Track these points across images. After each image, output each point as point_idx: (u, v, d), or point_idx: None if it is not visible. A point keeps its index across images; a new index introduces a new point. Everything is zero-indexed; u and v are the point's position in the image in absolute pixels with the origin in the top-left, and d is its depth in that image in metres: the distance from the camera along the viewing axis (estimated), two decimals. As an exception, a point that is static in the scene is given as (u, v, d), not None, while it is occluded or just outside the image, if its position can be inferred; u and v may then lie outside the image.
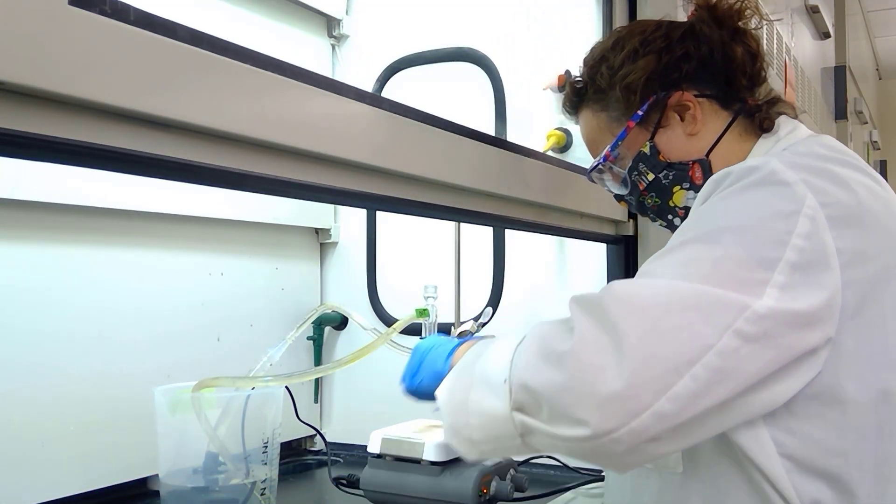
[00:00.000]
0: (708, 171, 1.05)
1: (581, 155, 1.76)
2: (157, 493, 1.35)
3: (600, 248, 1.74)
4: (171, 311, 1.63)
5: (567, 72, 1.79)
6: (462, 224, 1.68)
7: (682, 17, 1.68)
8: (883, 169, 5.03)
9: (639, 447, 0.76)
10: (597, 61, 1.12)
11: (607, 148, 1.12)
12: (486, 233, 1.86)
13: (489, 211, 1.26)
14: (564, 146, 1.79)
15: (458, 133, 1.15)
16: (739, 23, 1.10)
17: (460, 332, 1.42)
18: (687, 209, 1.08)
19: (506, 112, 1.84)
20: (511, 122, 1.84)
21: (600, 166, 1.14)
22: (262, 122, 0.82)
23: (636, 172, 1.11)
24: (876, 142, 4.73)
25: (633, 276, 1.64)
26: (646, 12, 1.71)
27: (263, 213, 1.83)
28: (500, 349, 0.89)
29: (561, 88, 1.80)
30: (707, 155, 1.07)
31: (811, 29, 3.18)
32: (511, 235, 1.85)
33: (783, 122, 1.08)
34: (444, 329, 1.47)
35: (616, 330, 0.77)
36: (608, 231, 1.67)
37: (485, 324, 1.50)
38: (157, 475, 1.32)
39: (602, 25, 1.69)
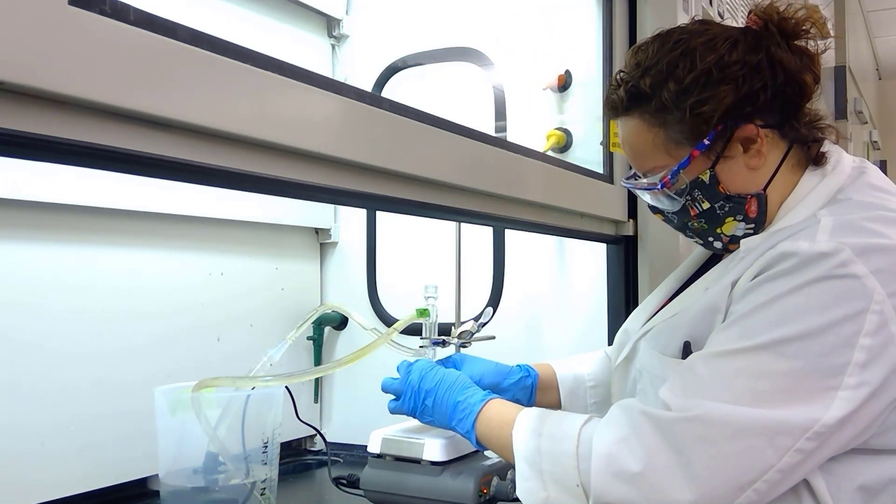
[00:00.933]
0: (763, 205, 1.04)
1: (581, 155, 1.76)
2: (157, 493, 1.35)
3: (600, 248, 1.74)
4: (171, 311, 1.63)
5: (567, 72, 1.79)
6: (462, 224, 1.68)
7: (682, 17, 1.69)
8: (883, 169, 5.02)
9: None
10: (663, 73, 1.02)
11: (666, 174, 1.04)
12: (486, 233, 1.86)
13: (489, 211, 1.26)
14: (564, 146, 1.79)
15: (458, 133, 1.15)
16: (807, 42, 1.05)
17: (461, 333, 1.42)
18: (733, 237, 1.07)
19: (506, 112, 1.84)
20: (511, 122, 1.84)
21: (654, 191, 1.07)
22: (262, 122, 0.82)
23: (690, 198, 1.05)
24: (876, 142, 4.73)
25: (633, 277, 1.68)
26: (646, 12, 1.71)
27: (263, 213, 1.83)
28: (559, 451, 0.97)
29: (561, 88, 1.80)
30: (765, 188, 1.04)
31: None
32: (511, 235, 1.85)
33: (828, 154, 1.07)
34: (445, 330, 1.46)
35: (684, 453, 0.87)
36: (608, 231, 1.67)
37: (485, 324, 1.49)
38: (157, 475, 1.32)
39: (602, 25, 1.69)
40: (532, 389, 1.36)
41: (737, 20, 2.08)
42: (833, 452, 0.88)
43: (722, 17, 1.95)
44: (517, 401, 1.34)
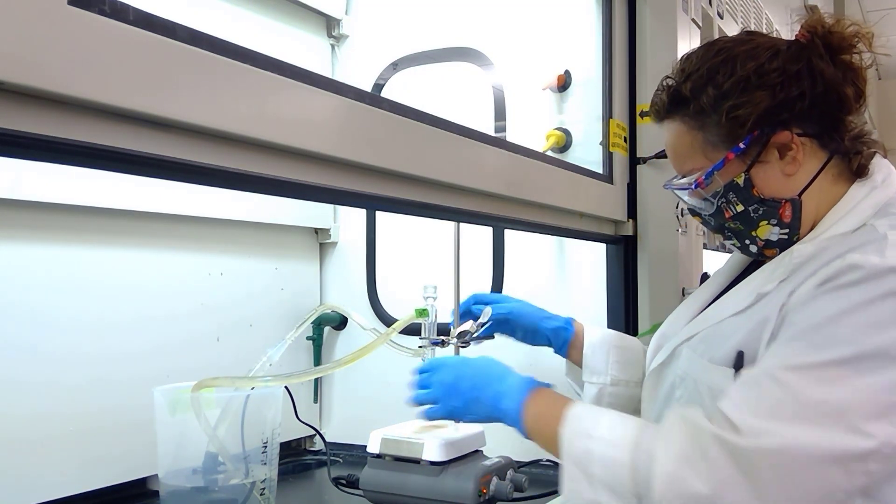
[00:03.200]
0: (798, 211, 1.05)
1: (581, 155, 1.76)
2: (156, 493, 1.35)
3: (600, 248, 1.74)
4: (170, 311, 1.63)
5: (567, 72, 1.79)
6: (462, 224, 1.68)
7: (681, 17, 1.69)
8: (882, 169, 5.02)
9: None
10: (703, 78, 1.06)
11: (701, 174, 1.07)
12: (486, 233, 1.86)
13: (489, 211, 1.26)
14: (564, 146, 1.79)
15: (459, 133, 1.15)
16: (852, 56, 1.07)
17: (460, 332, 1.42)
18: (768, 241, 1.07)
19: (506, 112, 1.84)
20: (511, 122, 1.84)
21: (689, 191, 1.10)
22: (262, 122, 0.82)
23: (724, 200, 1.07)
24: (875, 142, 4.73)
25: (632, 277, 1.68)
26: (645, 12, 1.71)
27: (263, 213, 1.83)
28: (613, 457, 0.95)
29: (560, 88, 1.80)
30: (800, 195, 1.05)
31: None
32: (511, 235, 1.85)
33: (876, 166, 1.07)
34: (444, 330, 1.46)
35: (757, 481, 0.86)
36: (608, 231, 1.67)
37: (484, 324, 1.49)
38: (156, 475, 1.32)
39: (602, 25, 1.70)
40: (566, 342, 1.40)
41: (736, 21, 2.08)
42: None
43: (721, 16, 1.95)
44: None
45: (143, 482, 1.55)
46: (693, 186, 1.08)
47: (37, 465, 1.38)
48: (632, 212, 1.70)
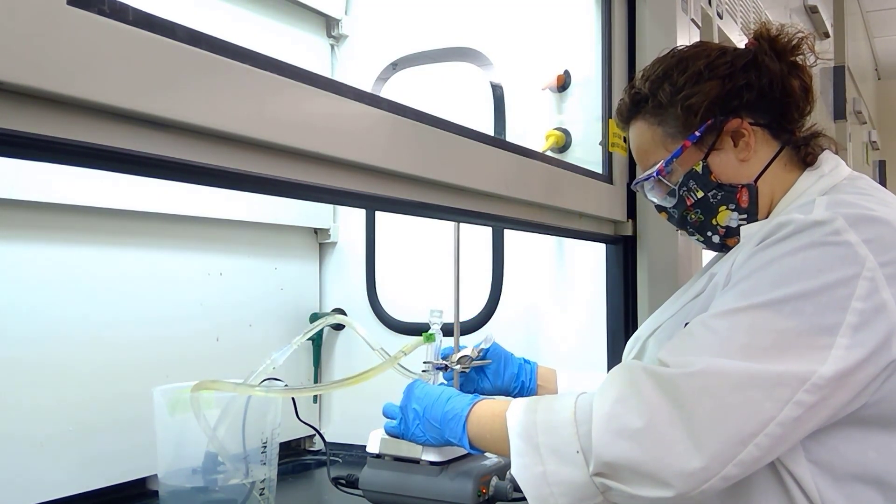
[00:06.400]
0: (754, 196, 1.11)
1: (580, 155, 1.76)
2: (155, 493, 1.35)
3: (599, 248, 1.74)
4: (169, 311, 1.63)
5: (566, 72, 1.79)
6: (462, 224, 1.68)
7: (680, 16, 1.69)
8: (882, 169, 5.04)
9: (709, 495, 0.91)
10: (659, 77, 1.15)
11: (661, 162, 1.14)
12: (486, 233, 1.86)
13: (489, 211, 1.26)
14: (564, 146, 1.79)
15: (458, 133, 1.15)
16: (797, 57, 1.14)
17: (460, 358, 1.40)
18: (728, 228, 1.13)
19: (505, 112, 1.84)
20: (511, 122, 1.84)
21: (652, 179, 1.17)
22: (261, 122, 0.82)
23: (685, 188, 1.14)
24: (875, 142, 4.73)
25: (632, 277, 1.67)
26: (644, 12, 1.71)
27: (263, 213, 1.83)
28: (556, 420, 0.98)
29: (560, 88, 1.80)
30: (755, 181, 1.11)
31: (810, 29, 3.18)
32: (510, 235, 1.85)
33: (826, 159, 1.14)
34: (445, 330, 1.46)
35: (685, 407, 0.89)
36: (607, 231, 1.67)
37: (487, 350, 1.48)
38: (155, 475, 1.32)
39: (602, 25, 1.69)
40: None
41: (735, 21, 2.08)
42: (831, 414, 0.90)
43: (721, 16, 1.95)
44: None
45: (142, 482, 1.55)
46: (655, 174, 1.15)
47: (36, 465, 1.38)
48: (631, 212, 1.70)
